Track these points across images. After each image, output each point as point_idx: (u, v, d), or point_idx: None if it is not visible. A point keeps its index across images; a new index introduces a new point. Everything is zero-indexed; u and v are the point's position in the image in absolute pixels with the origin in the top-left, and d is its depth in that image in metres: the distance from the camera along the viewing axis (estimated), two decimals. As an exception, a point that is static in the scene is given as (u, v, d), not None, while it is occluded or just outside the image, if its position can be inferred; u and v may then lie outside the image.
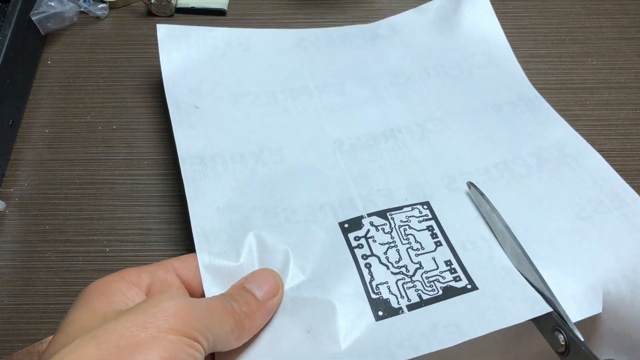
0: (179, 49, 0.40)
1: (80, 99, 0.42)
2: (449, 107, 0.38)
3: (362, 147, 0.36)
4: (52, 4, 0.43)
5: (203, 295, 0.28)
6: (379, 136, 0.37)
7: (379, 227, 0.32)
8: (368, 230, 0.31)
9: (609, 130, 0.41)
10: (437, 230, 0.31)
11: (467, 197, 0.33)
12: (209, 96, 0.38)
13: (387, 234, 0.31)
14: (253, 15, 0.47)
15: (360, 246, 0.31)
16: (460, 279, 0.29)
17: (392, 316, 0.28)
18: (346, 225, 0.32)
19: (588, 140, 0.40)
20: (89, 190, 0.38)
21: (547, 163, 0.35)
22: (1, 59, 0.38)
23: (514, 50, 0.44)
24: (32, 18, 0.42)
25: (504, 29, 0.46)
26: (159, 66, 0.44)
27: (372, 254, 0.30)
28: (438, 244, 0.31)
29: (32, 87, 0.43)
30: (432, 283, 0.29)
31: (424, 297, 0.29)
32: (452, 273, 0.29)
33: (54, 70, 0.44)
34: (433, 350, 0.26)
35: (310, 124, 0.37)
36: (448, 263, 0.30)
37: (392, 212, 0.32)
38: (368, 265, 0.30)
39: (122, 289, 0.25)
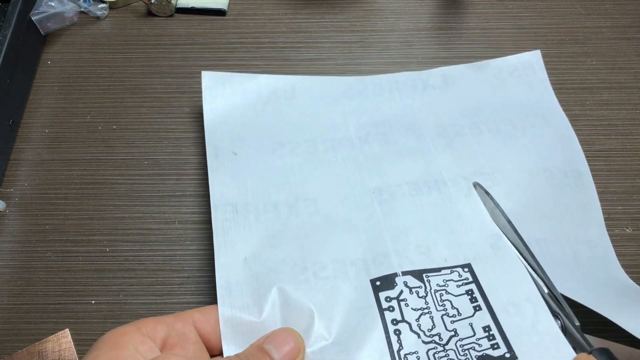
0: (223, 95, 0.40)
1: (80, 99, 0.42)
2: (499, 163, 0.36)
3: (403, 196, 0.34)
4: (52, 4, 0.43)
5: (221, 351, 0.27)
6: (422, 186, 0.35)
7: (413, 290, 0.30)
8: (401, 292, 0.30)
9: (609, 130, 0.41)
10: (477, 294, 0.29)
11: (513, 256, 0.31)
12: (249, 143, 0.37)
13: (422, 299, 0.29)
14: (253, 16, 0.47)
15: (391, 309, 0.29)
16: (498, 347, 0.27)
17: None
18: (378, 283, 0.30)
19: (588, 140, 0.40)
20: (89, 190, 0.38)
21: (582, 265, 0.33)
22: (1, 59, 0.38)
23: (514, 51, 0.44)
24: (32, 18, 0.42)
25: (504, 29, 0.46)
26: (159, 66, 0.44)
27: (403, 320, 0.29)
28: (477, 309, 0.29)
29: (32, 87, 0.43)
30: (466, 351, 0.27)
31: None
32: (490, 340, 0.27)
33: (54, 70, 0.44)
34: None
35: (349, 174, 0.36)
36: (487, 329, 0.28)
37: (429, 274, 0.30)
38: (397, 332, 0.28)
39: (135, 342, 0.25)
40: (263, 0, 0.47)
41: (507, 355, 0.27)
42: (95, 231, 0.37)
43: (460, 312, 0.29)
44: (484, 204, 0.33)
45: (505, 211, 0.32)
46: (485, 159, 0.37)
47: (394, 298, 0.29)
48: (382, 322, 0.28)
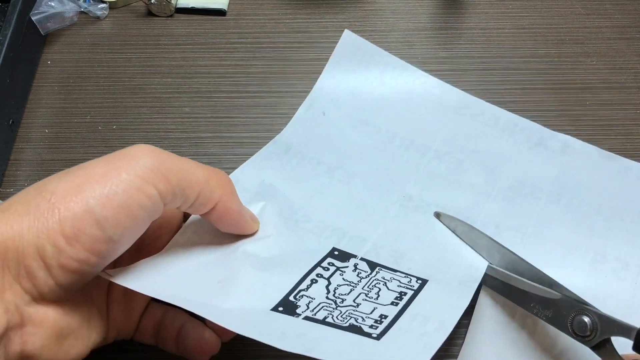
0: (351, 58, 0.42)
1: (80, 99, 0.42)
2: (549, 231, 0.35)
3: (424, 213, 0.35)
4: (52, 4, 0.43)
5: None
6: (448, 214, 0.35)
7: (358, 270, 0.31)
8: (346, 267, 0.31)
9: (609, 130, 0.41)
10: (405, 298, 0.30)
11: (466, 297, 0.30)
12: (342, 111, 0.40)
13: (358, 277, 0.31)
14: (253, 16, 0.46)
15: (326, 268, 0.31)
16: (374, 329, 0.27)
17: (286, 314, 0.28)
18: (335, 253, 0.32)
19: (588, 140, 0.40)
20: (89, 190, 0.38)
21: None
22: (1, 59, 0.38)
23: (513, 51, 0.44)
24: (32, 18, 0.42)
25: (504, 29, 0.46)
26: (158, 66, 0.44)
27: (327, 279, 0.30)
28: (393, 304, 0.29)
29: (32, 87, 0.43)
30: (347, 317, 0.28)
31: (327, 319, 0.28)
32: (375, 323, 0.28)
33: (54, 70, 0.44)
34: (287, 349, 0.24)
35: (399, 173, 0.37)
36: (382, 317, 0.28)
37: (382, 269, 0.32)
38: (314, 281, 0.30)
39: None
40: (263, 0, 0.47)
41: (374, 335, 0.27)
42: (95, 231, 0.37)
43: (378, 298, 0.30)
44: (455, 231, 0.34)
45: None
46: (536, 224, 0.35)
47: (336, 266, 0.31)
48: (310, 268, 0.31)
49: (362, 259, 0.32)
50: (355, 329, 0.28)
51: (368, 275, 0.31)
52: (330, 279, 0.31)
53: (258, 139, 0.40)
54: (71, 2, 0.44)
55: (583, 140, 0.39)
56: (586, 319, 0.27)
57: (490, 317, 0.32)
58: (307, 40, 0.45)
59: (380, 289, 0.30)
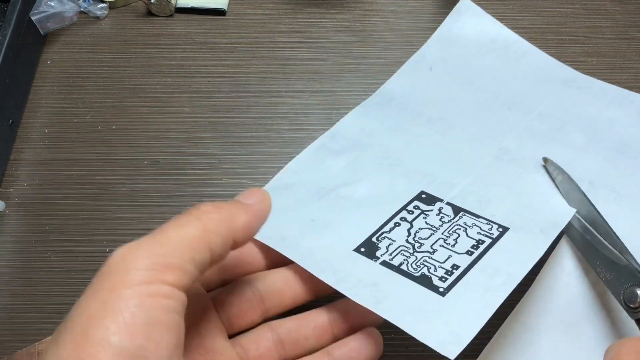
0: (464, 23, 0.44)
1: (80, 99, 0.42)
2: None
3: (519, 166, 0.36)
4: (52, 3, 0.43)
5: None
6: (540, 167, 0.35)
7: (441, 215, 0.33)
8: (430, 211, 0.33)
9: (609, 130, 0.41)
10: (482, 247, 0.30)
11: (543, 246, 0.30)
12: (448, 68, 0.42)
13: (441, 222, 0.32)
14: (253, 16, 0.46)
15: (410, 212, 0.33)
16: (444, 280, 0.29)
17: (366, 256, 0.30)
18: (423, 196, 0.34)
19: (588, 140, 0.40)
20: (89, 190, 0.38)
21: None
22: (1, 59, 0.38)
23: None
24: (32, 18, 0.42)
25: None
26: (158, 66, 0.44)
27: (409, 221, 0.32)
28: (468, 253, 0.30)
29: (32, 87, 0.43)
30: (422, 264, 0.30)
31: (402, 266, 0.30)
32: (446, 274, 0.29)
33: (54, 70, 0.44)
34: (357, 300, 0.27)
35: (500, 127, 0.38)
36: (454, 267, 0.30)
37: (465, 214, 0.33)
38: (397, 224, 0.32)
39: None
40: (263, 0, 0.47)
41: (441, 289, 0.28)
42: (95, 231, 0.37)
43: (455, 245, 0.31)
44: (555, 180, 0.34)
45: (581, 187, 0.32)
46: (634, 186, 0.35)
47: (421, 209, 0.33)
48: (396, 211, 0.33)
49: (448, 203, 0.33)
50: (425, 280, 0.29)
51: (450, 220, 0.32)
52: (413, 222, 0.32)
53: (258, 139, 0.40)
54: (71, 2, 0.44)
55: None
56: (638, 291, 0.27)
57: (563, 269, 0.32)
58: (307, 40, 0.45)
59: (459, 235, 0.31)
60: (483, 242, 0.31)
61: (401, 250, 0.31)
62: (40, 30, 0.43)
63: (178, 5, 0.46)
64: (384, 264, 0.30)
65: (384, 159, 0.37)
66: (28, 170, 0.39)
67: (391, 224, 0.32)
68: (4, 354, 0.32)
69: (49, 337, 0.33)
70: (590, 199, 0.32)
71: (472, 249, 0.30)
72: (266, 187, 0.36)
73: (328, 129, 0.40)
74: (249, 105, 0.42)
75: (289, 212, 0.34)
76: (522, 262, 0.29)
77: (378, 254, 0.31)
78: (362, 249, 0.31)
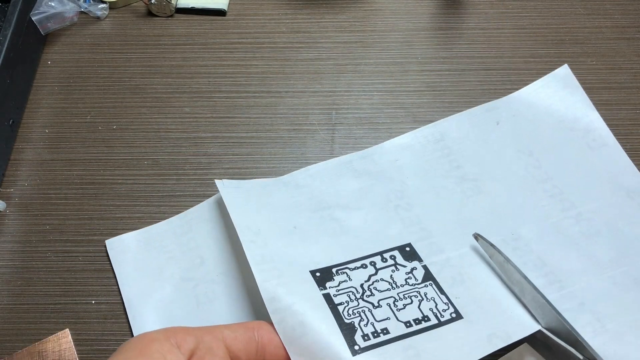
0: (554, 92, 0.41)
1: (80, 99, 0.42)
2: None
3: (520, 257, 0.34)
4: (52, 4, 0.43)
5: None
6: (539, 269, 0.33)
7: (410, 274, 0.32)
8: (403, 267, 0.32)
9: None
10: (422, 325, 0.30)
11: (482, 352, 0.28)
12: (518, 128, 0.39)
13: (404, 281, 0.32)
14: (253, 16, 0.47)
15: (385, 259, 0.33)
16: (365, 340, 0.28)
17: (316, 282, 0.31)
18: (407, 249, 0.34)
19: (588, 140, 0.40)
20: (89, 190, 0.38)
21: None
22: (1, 59, 0.38)
23: (513, 51, 0.44)
24: (32, 18, 0.42)
25: (504, 29, 0.46)
26: (158, 66, 0.44)
27: (376, 268, 0.32)
28: (406, 324, 0.30)
29: (32, 87, 0.43)
30: (354, 314, 0.30)
31: (339, 308, 0.30)
32: (372, 334, 0.29)
33: (54, 70, 0.44)
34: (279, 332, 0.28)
35: (530, 212, 0.36)
36: (384, 331, 0.29)
37: (433, 284, 0.32)
38: (364, 265, 0.33)
39: (163, 350, 0.24)
40: (263, 0, 0.47)
41: (356, 348, 0.28)
42: (95, 231, 0.37)
43: (400, 311, 0.30)
44: (491, 258, 0.32)
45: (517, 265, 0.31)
46: (621, 325, 0.32)
47: (395, 262, 0.33)
48: (370, 253, 0.33)
49: (424, 266, 0.32)
50: (349, 331, 0.28)
51: (414, 285, 0.31)
52: (380, 271, 0.32)
53: (258, 139, 0.40)
54: (71, 2, 0.44)
55: (583, 140, 0.39)
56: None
57: None
58: (307, 40, 0.45)
59: (411, 302, 0.30)
60: (428, 320, 0.30)
61: (349, 292, 0.31)
62: (40, 30, 0.43)
63: (178, 6, 0.46)
64: (326, 296, 0.30)
65: (396, 198, 0.36)
66: (28, 170, 0.39)
67: (358, 264, 0.32)
68: (4, 354, 0.32)
69: (49, 337, 0.33)
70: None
71: (413, 322, 0.29)
72: (278, 178, 0.37)
73: (328, 128, 0.41)
74: (249, 105, 0.42)
75: (280, 211, 0.34)
76: (444, 358, 0.28)
77: (328, 285, 0.31)
78: (317, 274, 0.31)
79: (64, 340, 0.33)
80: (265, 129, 0.41)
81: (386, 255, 0.33)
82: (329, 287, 0.30)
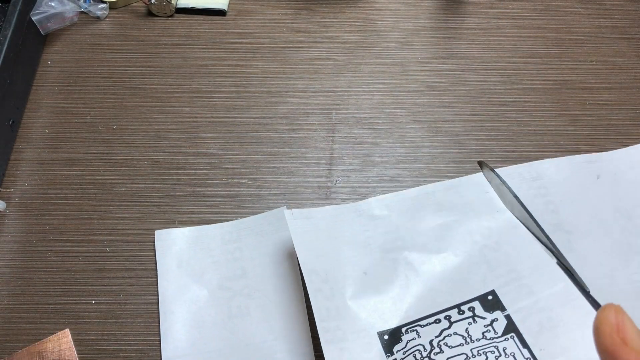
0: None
1: (80, 99, 0.42)
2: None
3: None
4: (52, 4, 0.43)
5: None
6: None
7: (489, 327, 0.29)
8: (482, 319, 0.29)
9: (609, 130, 0.41)
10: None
11: None
12: (620, 184, 0.36)
13: (481, 335, 0.29)
14: (253, 16, 0.47)
15: (462, 312, 0.30)
16: None
17: (383, 347, 0.28)
18: (489, 298, 0.30)
19: (588, 140, 0.40)
20: (89, 190, 0.38)
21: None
22: (1, 59, 0.38)
23: (513, 51, 0.44)
24: (32, 18, 0.42)
25: (504, 29, 0.46)
26: (158, 66, 0.44)
27: (450, 322, 0.29)
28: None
29: (32, 87, 0.43)
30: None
31: None
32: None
33: (54, 70, 0.44)
34: None
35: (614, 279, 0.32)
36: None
37: (515, 336, 0.29)
38: (437, 321, 0.29)
39: None
40: (263, 0, 0.47)
41: None
42: (95, 231, 0.37)
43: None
44: (490, 182, 0.33)
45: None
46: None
47: (473, 314, 0.29)
48: (447, 306, 0.30)
49: (507, 315, 0.29)
50: None
51: (493, 338, 0.28)
52: (453, 324, 0.29)
53: (258, 139, 0.40)
54: (71, 2, 0.44)
55: (583, 139, 0.39)
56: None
57: None
58: (307, 40, 0.45)
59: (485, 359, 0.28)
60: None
61: (416, 351, 0.28)
62: (40, 30, 0.43)
63: (178, 6, 0.46)
64: None
65: (482, 236, 0.32)
66: (28, 170, 0.39)
67: (431, 319, 0.29)
68: (4, 354, 0.32)
69: (50, 337, 0.33)
70: (522, 201, 0.31)
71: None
72: (352, 205, 0.34)
73: (328, 129, 0.41)
74: (249, 105, 0.42)
75: (351, 248, 0.31)
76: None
77: (395, 348, 0.28)
78: (385, 337, 0.28)
79: (64, 340, 0.33)
80: (265, 129, 0.41)
81: (464, 308, 0.29)
82: (396, 352, 0.28)
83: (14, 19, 0.40)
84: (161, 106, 0.42)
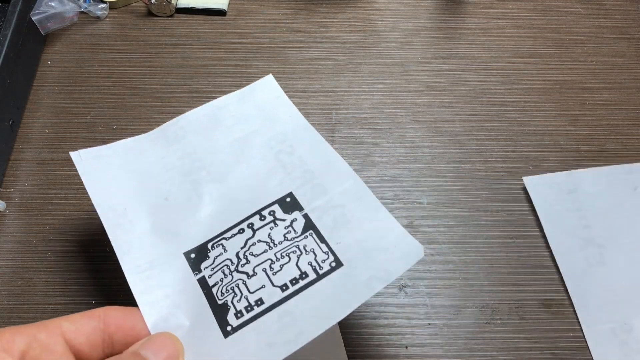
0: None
1: (80, 99, 0.42)
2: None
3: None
4: (52, 4, 0.43)
5: None
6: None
7: (290, 228, 0.30)
8: (282, 221, 0.30)
9: (609, 130, 0.41)
10: (299, 284, 0.28)
11: (361, 297, 0.27)
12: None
13: (283, 237, 0.29)
14: (253, 16, 0.47)
15: (263, 217, 0.30)
16: (237, 317, 0.27)
17: (191, 265, 0.28)
18: (287, 200, 0.31)
19: (588, 140, 0.40)
20: (89, 190, 0.38)
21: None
22: (1, 59, 0.38)
23: (513, 51, 0.44)
24: (32, 18, 0.42)
25: (504, 29, 0.46)
26: (158, 66, 0.44)
27: (253, 230, 0.30)
28: (282, 288, 0.28)
29: (32, 87, 0.43)
30: (228, 291, 0.28)
31: (213, 289, 0.28)
32: (246, 309, 0.27)
33: (54, 70, 0.44)
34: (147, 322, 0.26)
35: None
36: (258, 302, 0.27)
37: (314, 233, 0.29)
38: (241, 230, 0.30)
39: None
40: (263, 0, 0.47)
41: (228, 329, 0.26)
42: (95, 231, 0.37)
43: (277, 274, 0.28)
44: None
45: None
46: None
47: (274, 217, 0.30)
48: (249, 214, 0.30)
49: (305, 215, 0.30)
50: (222, 312, 0.27)
51: (294, 238, 0.29)
52: (257, 232, 0.29)
53: (258, 139, 0.40)
54: (71, 2, 0.44)
55: (582, 138, 0.39)
56: None
57: None
58: (307, 40, 0.45)
59: (289, 260, 0.28)
60: (306, 276, 0.27)
61: (224, 266, 0.28)
62: (40, 30, 0.43)
63: (178, 6, 0.46)
64: (201, 281, 0.28)
65: (277, 142, 0.32)
66: (28, 170, 0.39)
67: (235, 230, 0.29)
68: (4, 353, 0.32)
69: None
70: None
71: (289, 284, 0.27)
72: (144, 135, 0.33)
73: (328, 129, 0.41)
74: (249, 105, 0.42)
75: (149, 179, 0.31)
76: (321, 318, 0.26)
77: (202, 265, 0.28)
78: (192, 255, 0.28)
79: (64, 340, 0.33)
80: (265, 129, 0.41)
81: (265, 213, 0.30)
82: (204, 269, 0.28)
83: (14, 19, 0.40)
84: (161, 106, 0.42)
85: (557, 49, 0.45)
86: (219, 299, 0.27)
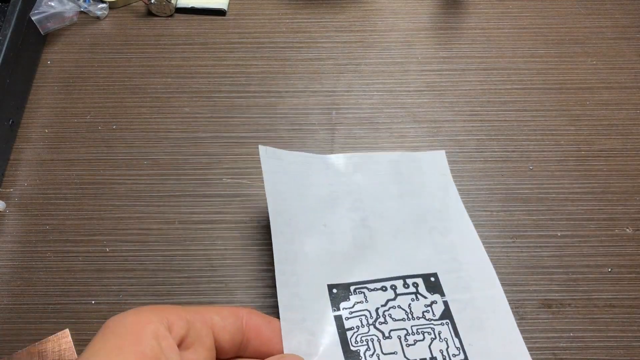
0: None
1: (80, 99, 0.42)
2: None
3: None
4: (52, 4, 0.43)
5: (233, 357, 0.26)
6: None
7: (428, 308, 0.30)
8: (423, 298, 0.30)
9: (609, 130, 0.41)
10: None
11: None
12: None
13: (421, 314, 0.30)
14: (253, 16, 0.47)
15: (406, 285, 0.31)
16: None
17: (330, 299, 0.29)
18: (432, 279, 0.31)
19: (588, 140, 0.40)
20: (89, 190, 0.38)
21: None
22: (1, 59, 0.38)
23: (513, 51, 0.44)
24: (32, 18, 0.42)
25: (504, 29, 0.46)
26: (158, 66, 0.44)
27: (395, 293, 0.30)
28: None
29: (32, 87, 0.43)
30: (364, 341, 0.28)
31: (347, 334, 0.28)
32: None
33: (54, 70, 0.44)
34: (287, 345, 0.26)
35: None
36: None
37: (449, 325, 0.30)
38: (384, 288, 0.30)
39: (159, 335, 0.22)
40: (263, 0, 0.47)
41: None
42: (95, 231, 0.37)
43: (408, 347, 0.29)
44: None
45: None
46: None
47: (416, 290, 0.30)
48: (395, 275, 0.30)
49: (445, 302, 0.30)
50: (350, 358, 0.27)
51: (430, 320, 0.29)
52: (398, 297, 0.30)
53: (258, 139, 0.40)
54: (71, 2, 0.44)
55: (583, 139, 0.39)
56: None
57: None
58: (307, 40, 0.45)
59: (423, 339, 0.29)
60: None
61: (362, 316, 0.29)
62: (40, 30, 0.43)
63: (178, 6, 0.46)
64: (337, 319, 0.28)
65: (433, 218, 0.33)
66: (28, 170, 0.39)
67: (378, 285, 0.30)
68: (4, 354, 0.32)
69: (50, 337, 0.33)
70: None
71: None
72: (322, 157, 0.34)
73: (328, 128, 0.41)
74: (248, 105, 0.42)
75: (316, 200, 0.31)
76: None
77: (342, 305, 0.29)
78: (334, 291, 0.29)
79: (64, 340, 0.33)
80: (265, 129, 0.41)
81: (409, 282, 0.30)
82: (342, 309, 0.29)
83: (14, 19, 0.40)
84: (161, 106, 0.42)
85: (557, 49, 0.45)
86: (353, 345, 0.28)
